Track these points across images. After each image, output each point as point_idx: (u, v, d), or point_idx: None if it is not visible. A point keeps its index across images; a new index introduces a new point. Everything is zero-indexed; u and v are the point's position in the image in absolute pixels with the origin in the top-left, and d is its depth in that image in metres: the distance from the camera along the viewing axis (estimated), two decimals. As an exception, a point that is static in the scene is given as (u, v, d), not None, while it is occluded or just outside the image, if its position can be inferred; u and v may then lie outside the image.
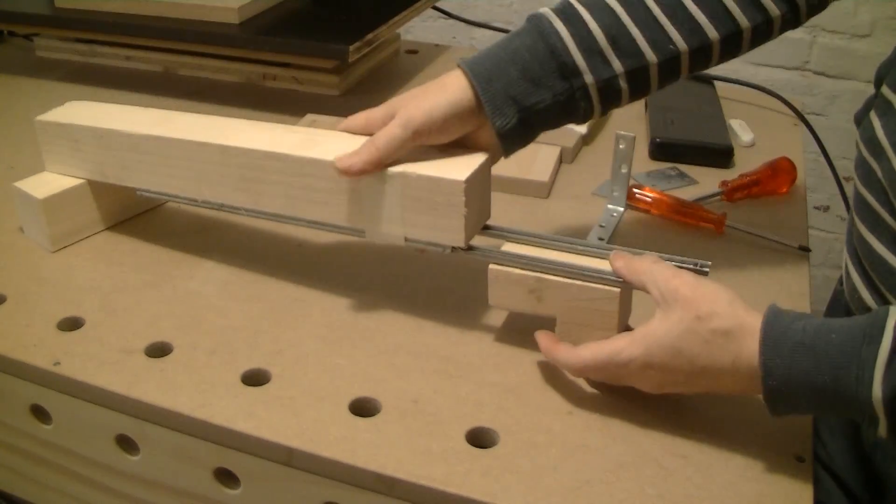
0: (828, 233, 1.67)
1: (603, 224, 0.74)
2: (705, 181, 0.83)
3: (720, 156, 0.86)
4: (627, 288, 0.55)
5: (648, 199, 0.77)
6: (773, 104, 1.00)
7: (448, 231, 0.56)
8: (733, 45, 0.59)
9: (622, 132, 0.74)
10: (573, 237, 0.59)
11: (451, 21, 1.23)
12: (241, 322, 0.61)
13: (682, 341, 0.49)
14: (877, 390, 0.43)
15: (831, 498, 0.69)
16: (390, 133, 0.57)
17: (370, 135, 0.59)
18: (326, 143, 0.60)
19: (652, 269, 0.52)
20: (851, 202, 0.66)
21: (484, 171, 0.57)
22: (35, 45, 1.14)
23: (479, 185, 0.57)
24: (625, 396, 0.55)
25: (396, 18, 1.00)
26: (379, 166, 0.57)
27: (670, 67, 0.58)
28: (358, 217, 0.59)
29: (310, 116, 0.91)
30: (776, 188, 0.80)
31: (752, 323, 0.48)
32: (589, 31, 0.56)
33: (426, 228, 0.57)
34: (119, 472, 0.59)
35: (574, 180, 0.83)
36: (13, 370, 0.58)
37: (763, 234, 0.73)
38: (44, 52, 1.14)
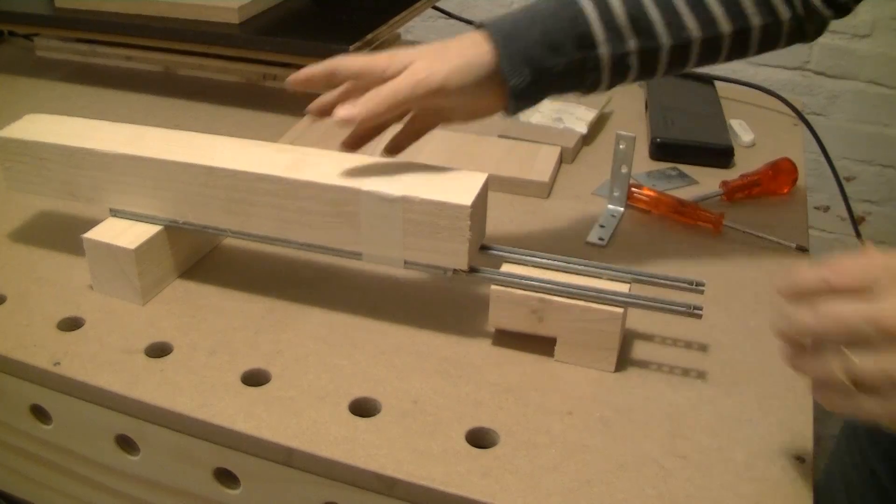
0: (828, 233, 1.67)
1: (603, 224, 0.74)
2: (705, 181, 0.83)
3: (720, 156, 0.86)
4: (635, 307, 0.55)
5: (648, 199, 0.77)
6: (773, 104, 1.00)
7: (450, 254, 0.56)
8: (741, 42, 0.62)
9: (622, 132, 0.74)
10: (571, 255, 0.58)
11: (452, 21, 1.23)
12: (241, 322, 0.61)
13: None
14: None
15: None
16: (397, 88, 0.56)
17: (333, 84, 0.60)
18: (319, 163, 0.59)
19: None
20: None
21: (484, 191, 0.57)
22: (35, 45, 1.14)
23: (481, 206, 0.57)
24: (625, 396, 0.55)
25: (396, 18, 1.00)
26: (376, 120, 0.56)
27: (680, 53, 0.61)
28: (355, 240, 0.58)
29: (310, 116, 0.90)
30: (777, 189, 0.80)
31: None
32: (610, 8, 0.59)
33: (427, 252, 0.56)
34: (119, 472, 0.59)
35: (574, 180, 0.83)
36: (13, 370, 0.58)
37: (761, 234, 0.73)
38: (44, 52, 1.14)
